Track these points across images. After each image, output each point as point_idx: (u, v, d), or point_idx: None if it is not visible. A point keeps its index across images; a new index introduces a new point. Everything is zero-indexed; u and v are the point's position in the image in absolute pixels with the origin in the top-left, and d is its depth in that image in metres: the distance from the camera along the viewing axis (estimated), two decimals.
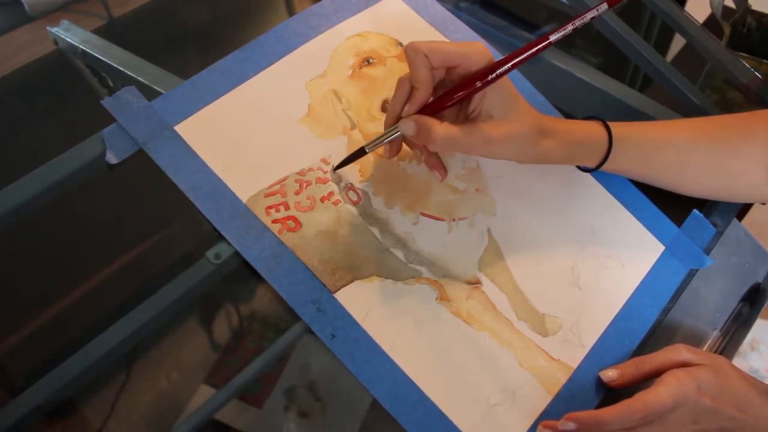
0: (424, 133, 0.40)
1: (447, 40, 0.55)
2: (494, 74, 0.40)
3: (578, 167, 0.50)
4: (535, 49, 0.40)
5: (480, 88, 0.41)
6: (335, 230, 0.44)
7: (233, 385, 0.46)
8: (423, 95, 0.41)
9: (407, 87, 0.42)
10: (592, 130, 0.47)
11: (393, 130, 0.42)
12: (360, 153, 0.44)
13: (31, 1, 0.67)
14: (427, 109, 0.42)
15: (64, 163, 0.42)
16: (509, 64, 0.40)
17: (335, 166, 0.45)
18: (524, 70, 0.56)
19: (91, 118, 0.44)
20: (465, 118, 0.43)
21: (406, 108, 0.42)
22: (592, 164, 0.48)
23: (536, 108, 0.55)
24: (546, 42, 0.41)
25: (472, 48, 0.41)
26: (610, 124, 0.47)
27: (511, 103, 0.42)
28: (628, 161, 0.48)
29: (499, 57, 0.56)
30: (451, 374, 0.43)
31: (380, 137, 0.43)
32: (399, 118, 0.42)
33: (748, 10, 0.87)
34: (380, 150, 0.48)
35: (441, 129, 0.40)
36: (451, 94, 0.42)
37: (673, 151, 0.48)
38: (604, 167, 0.48)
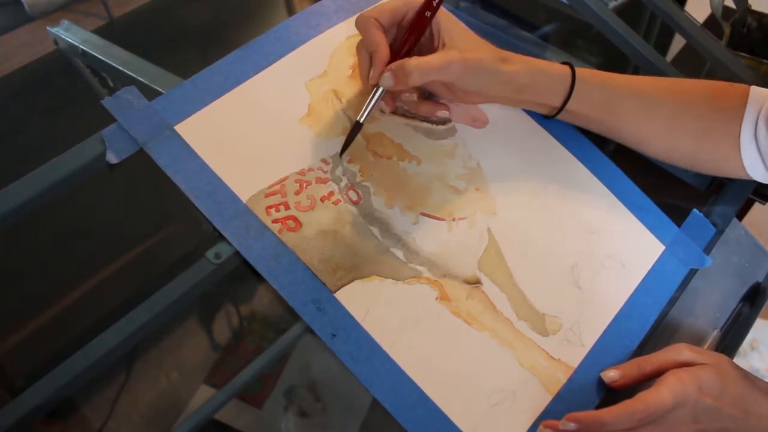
0: (400, 74, 0.43)
1: None
2: (435, 2, 0.43)
3: (544, 116, 0.51)
4: None
5: (431, 18, 0.44)
6: (335, 230, 0.44)
7: (233, 385, 0.46)
8: (383, 55, 0.44)
9: (365, 52, 0.45)
10: (556, 66, 0.47)
11: (375, 92, 0.45)
12: (357, 127, 0.46)
13: (31, 1, 0.67)
14: (393, 57, 0.44)
15: (64, 163, 0.42)
16: None
17: (340, 151, 0.47)
18: None
19: (91, 118, 0.44)
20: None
21: (372, 72, 0.44)
22: (555, 102, 0.48)
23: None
24: None
25: None
26: (576, 68, 0.47)
27: (470, 37, 0.46)
28: (590, 104, 0.47)
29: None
30: (451, 374, 0.43)
31: (367, 104, 0.45)
32: (369, 81, 0.45)
33: (748, 10, 0.87)
34: (380, 150, 0.48)
35: (413, 62, 0.42)
36: (408, 37, 0.44)
37: (638, 102, 0.48)
38: (567, 108, 0.47)
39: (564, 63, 0.48)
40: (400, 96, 0.48)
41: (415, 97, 0.47)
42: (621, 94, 0.48)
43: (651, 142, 0.50)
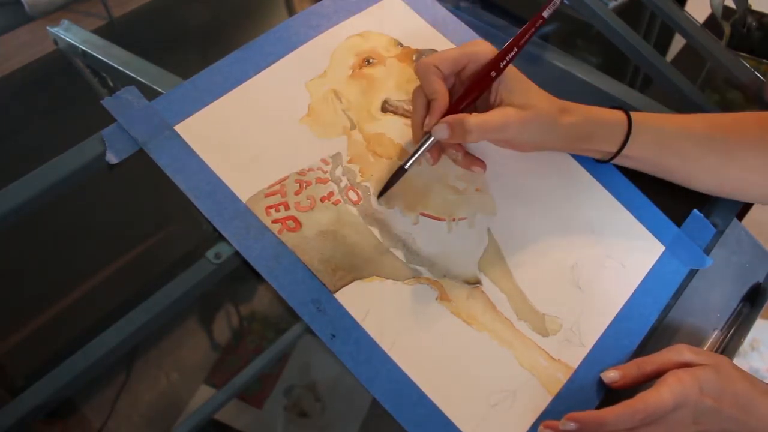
0: (458, 129, 0.42)
1: (451, 46, 0.55)
2: (505, 60, 0.43)
3: (597, 161, 0.51)
4: (534, 29, 0.43)
5: (495, 78, 0.43)
6: (335, 230, 0.44)
7: (233, 385, 0.46)
8: (441, 104, 0.43)
9: (423, 98, 0.44)
10: (612, 113, 0.47)
11: (425, 139, 0.44)
12: (400, 172, 0.45)
13: (31, 1, 0.67)
14: (448, 113, 0.43)
15: (64, 163, 0.42)
16: (515, 49, 0.43)
17: (378, 193, 0.46)
18: (524, 70, 0.56)
19: (91, 118, 0.44)
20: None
21: (428, 120, 0.43)
22: (612, 148, 0.48)
23: None
24: (540, 19, 0.43)
25: (475, 46, 0.44)
26: (632, 113, 0.48)
27: (527, 89, 0.44)
28: (646, 148, 0.48)
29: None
30: (451, 374, 0.43)
31: (416, 151, 0.44)
32: (422, 128, 0.44)
33: (748, 10, 0.87)
34: (380, 150, 0.48)
35: (473, 118, 0.42)
36: (468, 93, 0.43)
37: (690, 141, 0.48)
38: (624, 153, 0.48)
39: (617, 108, 0.48)
40: (447, 149, 0.46)
41: (461, 155, 0.46)
42: (673, 136, 0.48)
43: (702, 178, 0.50)
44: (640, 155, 0.48)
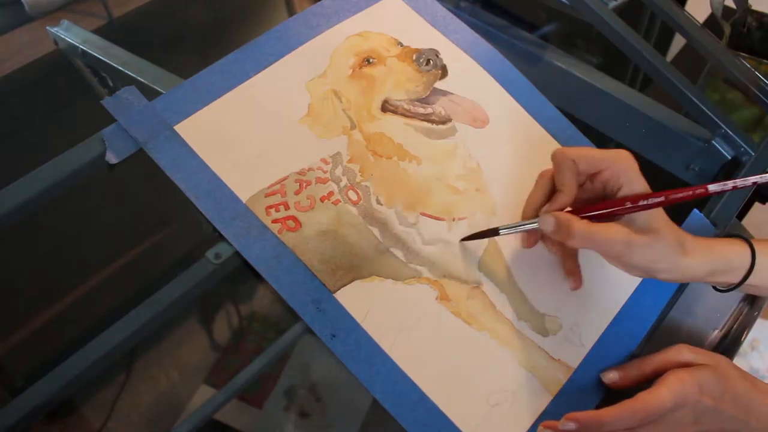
0: (563, 229, 0.41)
1: (451, 46, 0.55)
2: (646, 202, 0.40)
3: (716, 288, 0.48)
4: (691, 193, 0.41)
5: (629, 210, 0.41)
6: (335, 230, 0.44)
7: (233, 385, 0.46)
8: (566, 199, 0.42)
9: (549, 183, 0.44)
10: (735, 247, 0.45)
11: (531, 222, 0.43)
12: (493, 233, 0.45)
13: (31, 1, 0.67)
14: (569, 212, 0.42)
15: (64, 163, 0.42)
16: (662, 198, 0.40)
17: (463, 238, 0.46)
18: (524, 70, 0.57)
19: (91, 118, 0.44)
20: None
21: (547, 206, 0.43)
22: (733, 280, 0.45)
23: (537, 108, 0.55)
24: (703, 190, 0.41)
25: (618, 155, 0.42)
26: (754, 241, 0.45)
27: (655, 215, 0.41)
28: None
29: (501, 58, 0.56)
30: (451, 374, 0.43)
31: (517, 225, 0.44)
32: (537, 211, 0.43)
33: (748, 10, 0.87)
34: (380, 150, 0.48)
35: (581, 225, 0.40)
36: (598, 208, 0.42)
37: None
38: (748, 283, 0.45)
39: (738, 237, 0.46)
40: (546, 241, 0.46)
41: (559, 256, 0.46)
42: None
43: None
44: (762, 284, 0.45)
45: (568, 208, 0.43)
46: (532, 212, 0.44)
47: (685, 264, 0.42)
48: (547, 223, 0.42)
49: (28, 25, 0.68)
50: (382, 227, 0.45)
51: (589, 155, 0.42)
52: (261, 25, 0.85)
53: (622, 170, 0.42)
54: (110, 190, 0.65)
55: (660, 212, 0.42)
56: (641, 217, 0.41)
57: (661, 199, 0.40)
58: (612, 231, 0.40)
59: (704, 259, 0.43)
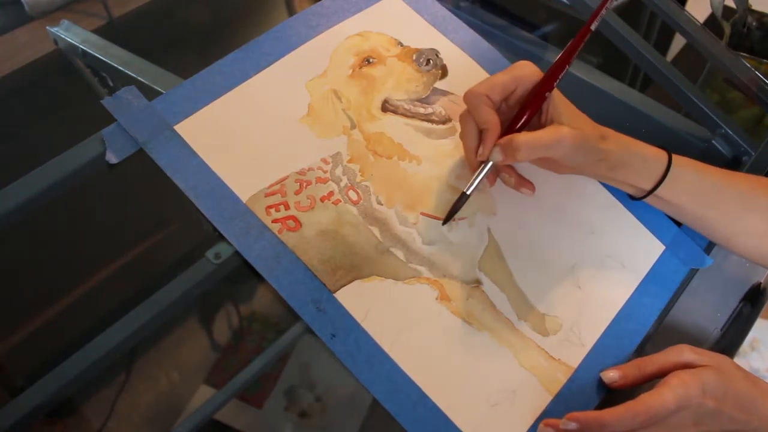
0: (509, 150, 0.42)
1: (451, 46, 0.55)
2: (558, 79, 0.43)
3: (630, 197, 0.50)
4: (582, 43, 0.44)
5: (546, 98, 0.43)
6: (335, 230, 0.44)
7: (233, 385, 0.46)
8: (494, 133, 0.43)
9: (473, 126, 0.44)
10: (652, 149, 0.46)
11: (484, 166, 0.44)
12: (463, 198, 0.45)
13: (31, 1, 0.67)
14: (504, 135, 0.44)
15: (64, 163, 0.42)
16: (566, 67, 0.43)
17: (444, 220, 0.46)
18: None
19: (91, 118, 0.44)
20: None
21: (481, 149, 0.44)
22: (646, 185, 0.46)
23: None
24: (588, 32, 0.44)
25: (522, 69, 0.44)
26: (673, 155, 0.46)
27: (572, 111, 0.44)
28: (683, 192, 0.46)
29: (501, 58, 0.56)
30: (451, 374, 0.43)
31: (475, 177, 0.45)
32: (477, 157, 0.44)
33: (748, 10, 0.87)
34: (380, 150, 0.48)
35: (521, 136, 0.42)
36: (522, 115, 0.44)
37: (732, 197, 0.47)
38: (659, 194, 0.46)
39: (660, 147, 0.47)
40: (500, 172, 0.47)
41: (513, 178, 0.47)
42: (716, 186, 0.47)
43: (743, 239, 0.48)
44: (677, 200, 0.47)
45: None
46: (475, 160, 0.45)
47: (606, 149, 0.44)
48: (496, 155, 0.43)
49: (28, 25, 0.68)
50: (382, 227, 0.45)
51: (498, 82, 0.43)
52: (261, 25, 0.85)
53: (529, 79, 0.44)
54: (110, 190, 0.65)
55: (578, 111, 0.45)
56: (564, 116, 0.43)
57: (566, 68, 0.44)
58: (557, 131, 0.42)
59: (621, 146, 0.45)
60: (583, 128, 0.44)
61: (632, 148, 0.46)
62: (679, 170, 0.46)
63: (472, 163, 0.46)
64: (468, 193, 0.45)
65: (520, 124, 0.44)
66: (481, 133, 0.44)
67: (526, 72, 0.44)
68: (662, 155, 0.46)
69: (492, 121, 0.43)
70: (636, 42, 0.62)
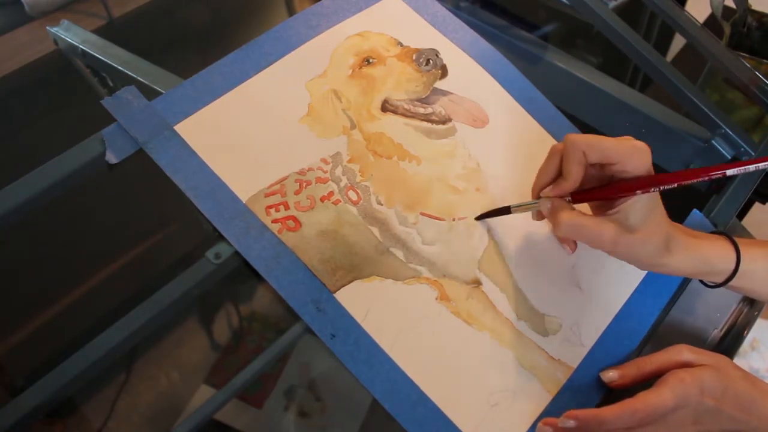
0: (553, 216, 0.42)
1: (451, 46, 0.55)
2: (659, 189, 0.40)
3: (702, 282, 0.48)
4: (707, 176, 0.39)
5: (635, 194, 0.40)
6: (335, 230, 0.44)
7: (233, 385, 0.46)
8: (569, 187, 0.42)
9: (557, 163, 0.43)
10: (719, 246, 0.44)
11: (534, 202, 0.44)
12: (505, 211, 0.46)
13: (31, 1, 0.67)
14: (574, 196, 0.43)
15: (64, 163, 0.42)
16: (675, 185, 0.39)
17: (477, 216, 0.47)
18: (524, 70, 0.57)
19: (91, 118, 0.44)
20: (600, 207, 0.44)
21: (547, 190, 0.43)
22: (717, 280, 0.45)
23: (537, 108, 0.55)
24: (721, 172, 0.39)
25: (633, 148, 0.40)
26: (739, 241, 0.45)
27: (651, 212, 0.41)
28: (754, 280, 0.45)
29: (501, 58, 0.56)
30: (451, 374, 0.43)
31: (524, 204, 0.45)
32: (542, 189, 0.44)
33: (748, 10, 0.87)
34: (380, 150, 0.48)
35: (569, 216, 0.41)
36: (601, 195, 0.42)
37: None
38: (731, 285, 0.45)
39: (721, 234, 0.46)
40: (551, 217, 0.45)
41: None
42: None
43: None
44: (750, 287, 0.46)
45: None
46: (538, 190, 0.45)
47: (665, 262, 0.42)
48: (544, 206, 0.44)
49: (28, 25, 0.68)
50: (382, 227, 0.46)
51: (601, 147, 0.41)
52: (261, 25, 0.85)
53: (635, 165, 0.40)
54: (110, 190, 0.65)
55: (657, 210, 0.42)
56: (636, 212, 0.40)
57: (674, 186, 0.39)
58: (601, 228, 0.41)
59: (687, 260, 0.43)
60: (653, 233, 0.41)
61: (696, 254, 0.43)
62: (749, 266, 0.44)
63: (534, 189, 0.45)
64: (512, 211, 0.45)
65: (591, 198, 0.42)
66: (558, 172, 0.43)
67: (635, 154, 0.40)
68: (729, 253, 0.44)
69: (573, 177, 0.42)
70: (636, 42, 0.62)
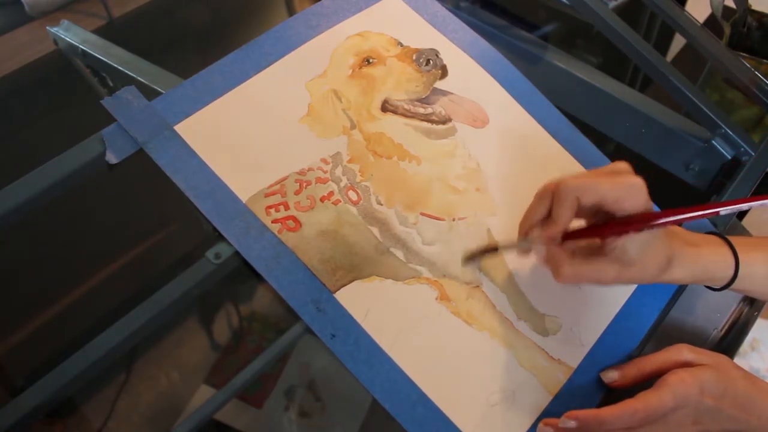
0: (552, 266, 0.42)
1: (451, 46, 0.55)
2: (655, 223, 0.39)
3: (706, 286, 0.48)
4: (701, 213, 0.39)
5: (628, 233, 0.40)
6: (335, 230, 0.44)
7: (233, 385, 0.46)
8: (558, 230, 0.41)
9: (547, 205, 0.41)
10: (719, 254, 0.44)
11: (525, 243, 0.43)
12: (492, 250, 0.46)
13: (31, 1, 0.67)
14: (564, 237, 0.42)
15: (64, 163, 0.42)
16: (672, 218, 0.39)
17: (465, 257, 0.46)
18: (524, 70, 0.57)
19: (91, 118, 0.44)
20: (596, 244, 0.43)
21: (537, 231, 0.42)
22: (717, 285, 0.46)
23: (537, 108, 0.55)
24: (713, 211, 0.39)
25: (630, 187, 0.40)
26: (735, 243, 0.45)
27: (649, 243, 0.40)
28: (754, 282, 0.46)
29: (501, 58, 0.56)
30: (451, 374, 0.43)
31: (514, 243, 0.45)
32: (532, 229, 0.43)
33: (748, 10, 0.87)
34: (380, 150, 0.48)
35: (569, 270, 0.41)
36: (593, 234, 0.41)
37: None
38: (732, 287, 0.46)
39: (715, 234, 0.46)
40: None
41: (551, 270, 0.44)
42: None
43: None
44: (751, 289, 0.46)
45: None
46: (527, 228, 0.43)
47: (667, 278, 0.43)
48: (539, 252, 0.43)
49: (28, 25, 0.68)
50: (382, 227, 0.46)
51: (596, 190, 0.39)
52: (261, 25, 0.85)
53: (631, 204, 0.40)
54: (110, 190, 0.65)
55: (654, 238, 0.41)
56: (634, 247, 0.40)
57: (670, 219, 0.39)
58: (600, 274, 0.41)
59: (687, 272, 0.43)
60: (654, 259, 0.41)
61: (696, 265, 0.44)
62: (748, 269, 0.45)
63: (522, 227, 0.44)
64: (498, 249, 0.46)
65: (583, 238, 0.42)
66: (548, 212, 0.42)
67: (631, 195, 0.39)
68: (728, 259, 0.44)
69: (563, 221, 0.40)
70: (636, 42, 0.62)
